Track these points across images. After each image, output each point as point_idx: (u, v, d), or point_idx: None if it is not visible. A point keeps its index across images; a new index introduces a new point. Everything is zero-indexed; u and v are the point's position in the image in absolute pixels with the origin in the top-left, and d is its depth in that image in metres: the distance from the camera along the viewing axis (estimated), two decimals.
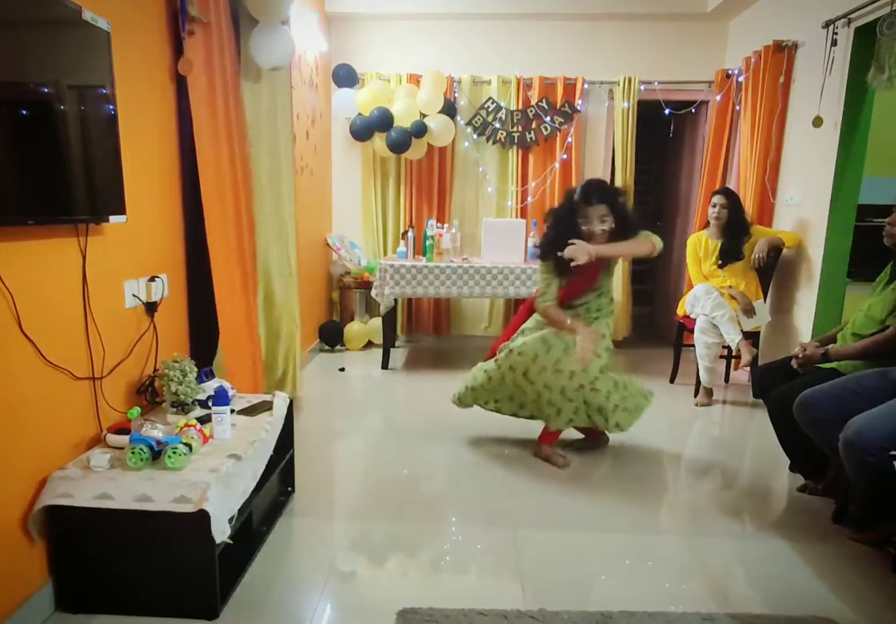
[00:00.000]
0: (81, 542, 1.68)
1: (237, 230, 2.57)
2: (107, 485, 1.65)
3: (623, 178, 4.75)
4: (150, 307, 2.15)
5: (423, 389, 3.95)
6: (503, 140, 4.78)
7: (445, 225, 4.70)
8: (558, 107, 4.70)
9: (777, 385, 2.49)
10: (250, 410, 2.19)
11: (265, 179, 2.92)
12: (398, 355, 4.72)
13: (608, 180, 4.88)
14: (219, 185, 2.43)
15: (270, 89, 2.96)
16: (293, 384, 3.24)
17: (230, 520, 1.76)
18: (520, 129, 4.75)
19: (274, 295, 3.05)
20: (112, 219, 1.84)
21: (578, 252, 2.45)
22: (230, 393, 2.21)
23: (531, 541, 2.14)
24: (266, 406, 2.24)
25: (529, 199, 4.86)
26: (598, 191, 2.60)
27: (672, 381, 4.10)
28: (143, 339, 2.12)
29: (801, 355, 2.43)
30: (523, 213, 4.88)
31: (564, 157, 4.76)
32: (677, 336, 4.04)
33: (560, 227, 2.66)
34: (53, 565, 1.70)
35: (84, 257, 1.79)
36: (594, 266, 2.60)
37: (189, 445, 1.75)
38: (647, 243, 2.62)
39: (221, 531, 1.66)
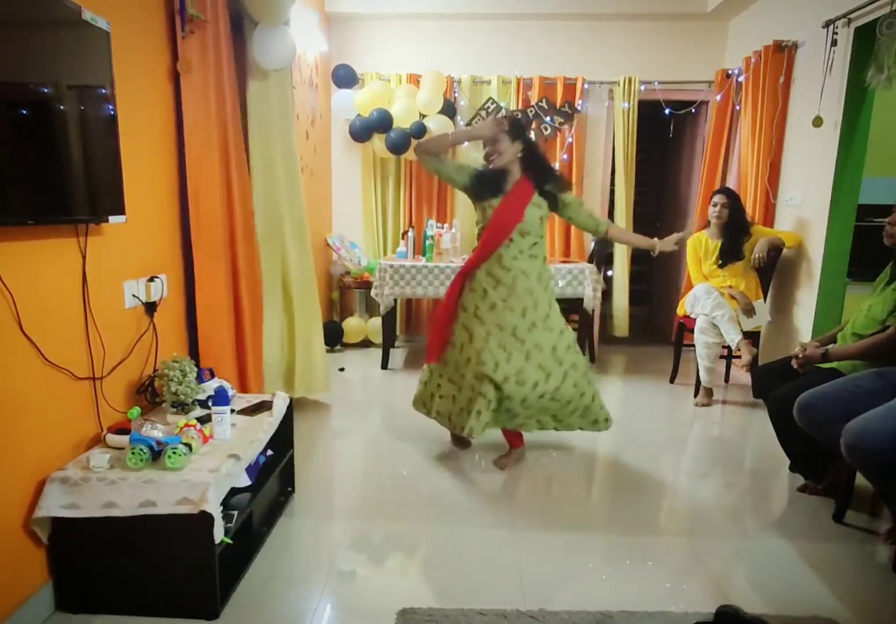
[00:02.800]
0: (82, 542, 1.68)
1: (229, 230, 2.57)
2: (110, 493, 1.64)
3: (624, 178, 4.75)
4: (150, 307, 2.15)
5: None
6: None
7: (445, 225, 4.70)
8: (558, 107, 4.70)
9: (777, 385, 2.49)
10: (250, 410, 2.19)
11: (278, 179, 2.92)
12: (398, 355, 4.72)
13: (608, 181, 4.91)
14: (208, 185, 2.42)
15: (275, 89, 2.96)
16: (324, 384, 3.27)
17: (227, 519, 1.76)
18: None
19: (294, 297, 3.08)
20: (112, 219, 1.84)
21: None
22: (230, 393, 2.21)
23: (531, 541, 2.14)
24: (266, 406, 2.24)
25: None
26: (493, 117, 2.61)
27: (672, 381, 4.10)
28: (143, 339, 2.12)
29: (801, 355, 2.42)
30: None
31: (565, 157, 4.76)
32: (677, 336, 4.04)
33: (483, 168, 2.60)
34: (53, 565, 1.70)
35: (84, 257, 1.79)
36: (522, 193, 2.50)
37: (189, 445, 1.75)
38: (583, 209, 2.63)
39: (220, 530, 1.66)
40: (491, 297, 2.53)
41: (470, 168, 2.60)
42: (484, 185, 2.55)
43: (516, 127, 2.51)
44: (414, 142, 4.55)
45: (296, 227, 3.10)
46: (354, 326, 4.82)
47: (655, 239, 2.69)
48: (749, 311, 3.57)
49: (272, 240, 2.95)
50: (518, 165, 2.52)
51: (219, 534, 1.65)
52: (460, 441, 2.92)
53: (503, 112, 4.72)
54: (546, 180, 2.54)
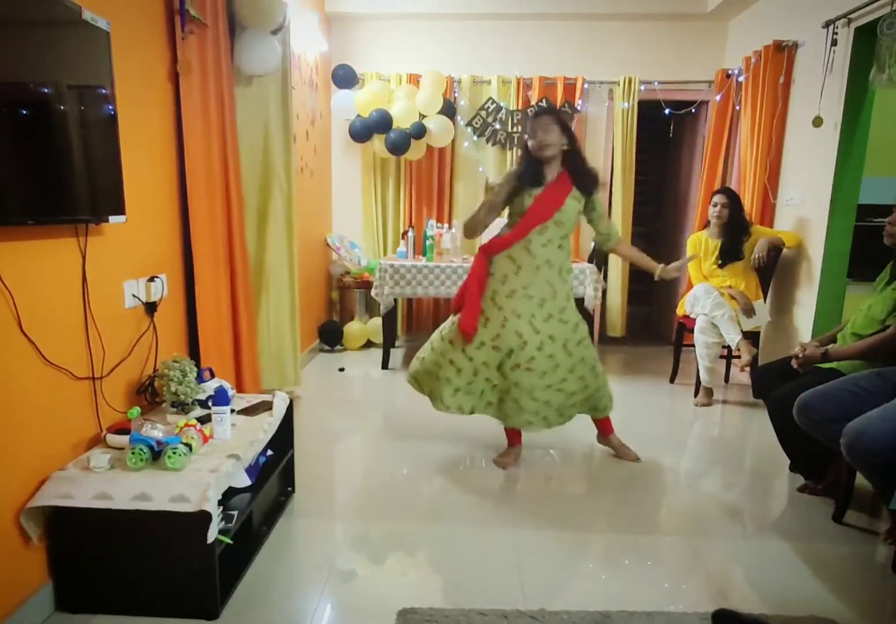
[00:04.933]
0: (81, 542, 1.68)
1: (226, 230, 2.58)
2: (105, 486, 1.64)
3: (623, 178, 4.76)
4: (150, 307, 2.15)
5: None
6: (503, 141, 4.79)
7: (445, 225, 4.70)
8: (558, 107, 4.70)
9: (777, 385, 2.49)
10: (250, 410, 2.19)
11: (262, 178, 2.93)
12: (398, 355, 4.73)
13: (608, 180, 4.92)
14: (208, 185, 2.43)
15: (271, 90, 2.96)
16: (294, 378, 3.28)
17: (223, 520, 1.76)
18: (520, 129, 4.75)
19: (268, 290, 3.10)
20: (112, 219, 1.84)
21: None
22: (230, 393, 2.21)
23: (531, 541, 2.14)
24: (266, 406, 2.24)
25: None
26: (542, 108, 2.58)
27: (672, 381, 4.10)
28: (143, 339, 2.12)
29: (801, 355, 2.43)
30: None
31: None
32: (677, 336, 4.04)
33: (521, 162, 2.62)
34: (53, 565, 1.70)
35: (84, 257, 1.79)
36: (563, 185, 2.52)
37: (189, 445, 1.75)
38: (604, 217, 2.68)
39: (214, 529, 1.66)
40: (511, 283, 2.55)
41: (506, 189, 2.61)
42: (524, 177, 2.55)
43: (564, 120, 2.54)
44: (414, 142, 4.56)
45: (279, 224, 3.12)
46: (356, 330, 4.81)
47: (662, 265, 2.73)
48: (749, 311, 3.57)
49: (269, 235, 2.99)
50: (559, 159, 2.54)
51: (212, 534, 1.65)
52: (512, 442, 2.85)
53: (503, 112, 4.73)
54: (585, 177, 2.56)
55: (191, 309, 2.46)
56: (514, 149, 4.79)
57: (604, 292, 4.73)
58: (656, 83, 4.64)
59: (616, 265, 4.92)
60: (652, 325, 5.80)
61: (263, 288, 3.11)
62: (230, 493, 1.89)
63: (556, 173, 2.55)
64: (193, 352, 2.47)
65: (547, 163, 2.54)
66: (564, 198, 2.53)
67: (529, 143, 2.53)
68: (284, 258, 3.16)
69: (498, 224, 2.75)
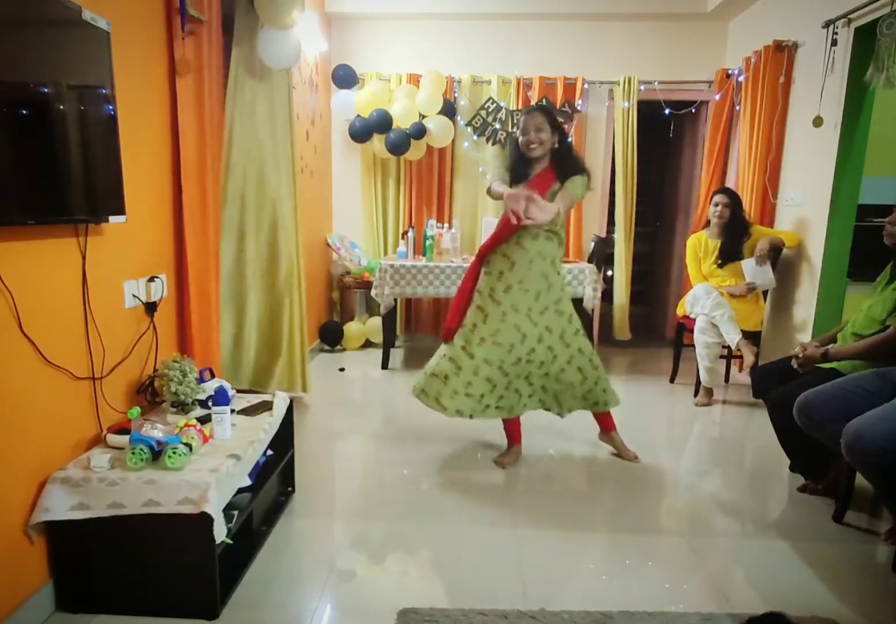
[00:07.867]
0: (82, 542, 1.68)
1: (216, 230, 2.59)
2: (114, 494, 1.64)
3: (623, 178, 4.75)
4: (150, 307, 2.15)
5: None
6: (503, 141, 4.79)
7: (445, 225, 4.70)
8: (558, 107, 4.70)
9: (777, 385, 2.49)
10: (250, 410, 2.19)
11: (262, 178, 2.94)
12: (398, 355, 4.73)
13: (608, 180, 4.92)
14: (201, 185, 2.43)
15: (270, 89, 2.96)
16: (302, 382, 3.27)
17: (228, 519, 1.76)
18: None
19: (274, 294, 3.08)
20: (112, 219, 1.84)
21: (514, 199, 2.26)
22: (230, 393, 2.21)
23: (531, 541, 2.14)
24: (266, 406, 2.24)
25: None
26: (535, 105, 2.57)
27: (672, 381, 4.11)
28: (143, 339, 2.12)
29: (801, 355, 2.43)
30: None
31: None
32: (677, 336, 4.04)
33: (510, 153, 2.66)
34: (53, 565, 1.70)
35: (84, 257, 1.79)
36: (545, 180, 2.53)
37: (189, 445, 1.75)
38: (566, 196, 2.46)
39: (220, 531, 1.66)
40: (507, 279, 2.57)
41: (503, 173, 2.64)
42: (511, 172, 2.59)
43: (555, 119, 2.57)
44: (414, 142, 4.56)
45: (285, 227, 3.12)
46: (355, 330, 4.82)
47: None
48: (763, 257, 3.55)
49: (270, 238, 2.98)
50: (548, 155, 2.56)
51: (220, 535, 1.65)
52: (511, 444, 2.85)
53: (503, 112, 4.73)
54: (571, 173, 2.54)
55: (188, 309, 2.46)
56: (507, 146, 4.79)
57: (606, 294, 4.73)
58: (656, 83, 4.64)
59: (621, 267, 4.91)
60: (652, 325, 5.80)
61: (268, 292, 3.10)
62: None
63: (542, 168, 2.57)
64: (188, 352, 2.46)
65: (536, 159, 2.56)
66: (545, 192, 2.51)
67: (520, 140, 2.55)
68: (289, 262, 3.15)
69: (493, 224, 2.75)
